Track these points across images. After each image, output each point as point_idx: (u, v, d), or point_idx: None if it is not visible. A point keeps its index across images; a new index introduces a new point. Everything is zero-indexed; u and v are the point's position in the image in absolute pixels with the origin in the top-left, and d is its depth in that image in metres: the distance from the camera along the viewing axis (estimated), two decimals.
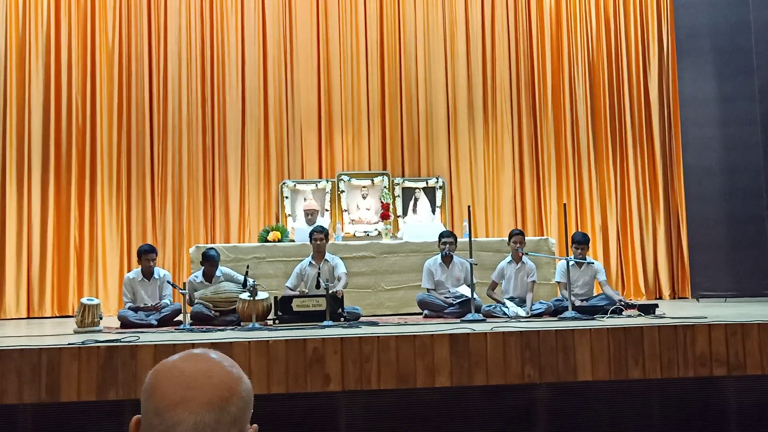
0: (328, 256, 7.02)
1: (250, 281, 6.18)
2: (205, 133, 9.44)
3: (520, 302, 6.70)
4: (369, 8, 9.77)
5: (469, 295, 6.21)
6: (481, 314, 6.16)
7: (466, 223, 7.86)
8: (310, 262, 6.96)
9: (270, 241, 8.12)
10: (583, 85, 9.89)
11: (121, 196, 9.17)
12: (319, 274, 6.59)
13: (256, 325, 5.73)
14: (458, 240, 7.18)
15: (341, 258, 7.11)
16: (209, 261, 6.80)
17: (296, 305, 6.18)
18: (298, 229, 8.25)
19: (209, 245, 7.68)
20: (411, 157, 9.69)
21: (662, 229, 9.69)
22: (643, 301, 8.84)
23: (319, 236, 6.95)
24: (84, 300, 6.05)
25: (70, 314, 8.09)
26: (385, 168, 9.62)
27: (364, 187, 9.43)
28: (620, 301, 6.53)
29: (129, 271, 7.96)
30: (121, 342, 4.68)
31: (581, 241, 6.99)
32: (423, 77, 9.75)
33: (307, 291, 6.79)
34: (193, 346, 4.55)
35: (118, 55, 9.32)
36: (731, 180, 8.35)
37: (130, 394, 4.40)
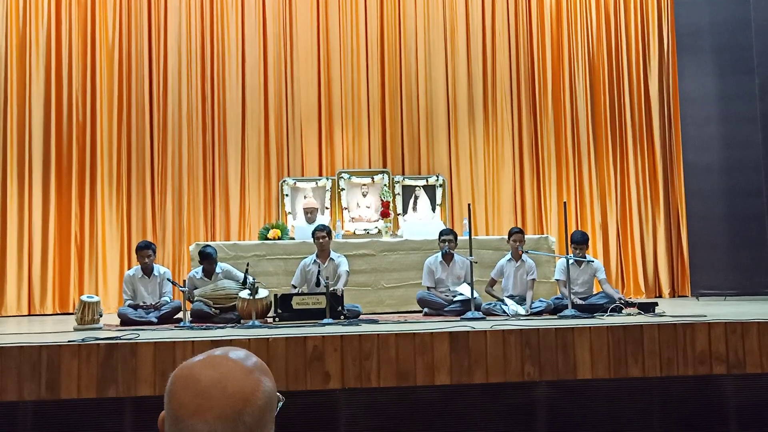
0: (333, 254, 6.99)
1: (250, 279, 6.17)
2: (205, 130, 9.43)
3: (520, 300, 6.70)
4: (369, 5, 9.75)
5: (469, 295, 6.20)
6: (481, 312, 6.16)
7: (466, 221, 7.86)
8: (314, 260, 6.93)
9: (270, 239, 8.12)
10: (584, 82, 9.88)
11: (122, 193, 9.17)
12: (319, 272, 6.58)
13: (256, 322, 5.73)
14: (458, 238, 7.17)
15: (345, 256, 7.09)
16: (207, 259, 6.80)
17: (296, 303, 6.18)
18: (298, 227, 8.25)
19: (207, 243, 7.67)
20: (411, 154, 9.69)
21: (662, 227, 9.68)
22: (643, 299, 8.83)
23: (321, 234, 6.92)
24: (84, 297, 6.05)
25: (71, 311, 8.09)
26: (385, 166, 9.61)
27: (364, 184, 9.43)
28: (620, 299, 6.53)
29: (129, 268, 7.97)
30: (121, 339, 4.68)
31: (580, 242, 6.97)
32: (423, 75, 9.75)
33: (307, 289, 6.77)
34: (193, 344, 4.56)
35: (119, 53, 9.31)
36: (731, 178, 8.34)
37: (129, 391, 4.40)
